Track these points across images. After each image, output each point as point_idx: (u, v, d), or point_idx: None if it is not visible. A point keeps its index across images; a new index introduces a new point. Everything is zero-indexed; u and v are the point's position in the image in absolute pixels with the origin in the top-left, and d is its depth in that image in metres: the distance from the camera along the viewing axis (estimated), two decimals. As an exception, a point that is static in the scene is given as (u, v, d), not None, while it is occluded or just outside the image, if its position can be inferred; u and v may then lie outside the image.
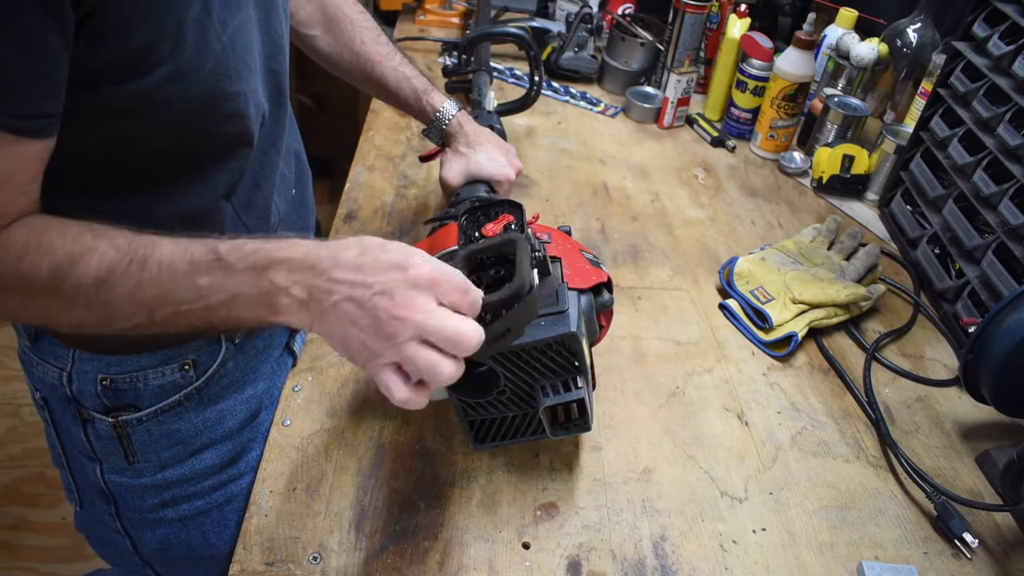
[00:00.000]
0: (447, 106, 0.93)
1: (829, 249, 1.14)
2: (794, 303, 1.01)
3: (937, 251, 1.13)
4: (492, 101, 1.22)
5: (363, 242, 0.55)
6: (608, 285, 0.76)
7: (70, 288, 0.54)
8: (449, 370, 0.53)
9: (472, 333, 0.53)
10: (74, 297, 0.54)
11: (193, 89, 0.58)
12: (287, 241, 0.56)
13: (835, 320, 1.02)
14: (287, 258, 0.54)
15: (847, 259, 1.12)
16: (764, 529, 0.77)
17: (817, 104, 1.40)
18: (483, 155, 0.92)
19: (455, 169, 0.92)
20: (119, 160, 0.62)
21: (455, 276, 0.55)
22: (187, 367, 0.75)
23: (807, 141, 1.42)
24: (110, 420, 0.74)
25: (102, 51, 0.52)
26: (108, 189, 0.63)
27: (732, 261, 1.07)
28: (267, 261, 0.54)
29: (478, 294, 0.56)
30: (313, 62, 0.96)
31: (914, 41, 1.38)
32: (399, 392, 0.54)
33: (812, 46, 1.32)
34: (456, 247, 0.72)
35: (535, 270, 0.65)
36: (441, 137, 0.96)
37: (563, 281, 0.71)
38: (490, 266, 0.65)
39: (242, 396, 0.81)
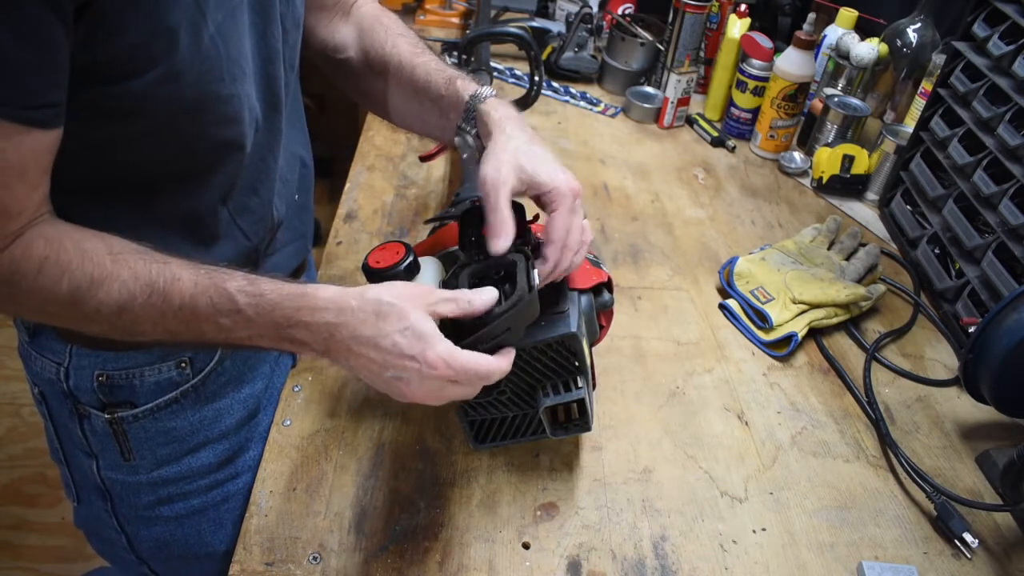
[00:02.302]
0: (483, 89, 0.76)
1: (829, 249, 1.14)
2: (794, 303, 1.01)
3: (937, 251, 1.13)
4: (492, 101, 1.22)
5: (381, 319, 0.57)
6: (608, 285, 0.76)
7: (91, 308, 0.56)
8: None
9: (479, 389, 0.61)
10: (95, 316, 0.57)
11: (185, 91, 0.58)
12: (305, 299, 0.58)
13: (835, 320, 1.02)
14: (306, 322, 0.58)
15: (847, 259, 1.12)
16: (764, 529, 0.77)
17: (817, 104, 1.40)
18: (538, 151, 0.69)
19: (503, 162, 0.66)
20: (111, 161, 0.62)
21: (470, 365, 0.58)
22: (183, 365, 0.75)
23: (807, 141, 1.42)
24: (106, 416, 0.74)
25: (96, 48, 0.52)
26: (101, 190, 0.63)
27: (732, 261, 1.07)
28: (286, 320, 0.58)
29: (499, 370, 0.60)
30: (313, 63, 0.94)
31: (914, 41, 1.38)
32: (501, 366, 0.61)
33: (812, 46, 1.32)
34: (456, 247, 0.73)
35: (535, 271, 0.65)
36: (473, 121, 0.75)
37: (563, 281, 0.71)
38: (492, 271, 0.65)
39: (240, 395, 0.81)
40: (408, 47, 0.80)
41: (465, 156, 0.76)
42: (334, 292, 0.59)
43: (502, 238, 0.64)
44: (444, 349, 0.57)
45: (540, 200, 0.68)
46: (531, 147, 0.68)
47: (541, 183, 0.66)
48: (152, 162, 0.63)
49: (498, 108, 0.72)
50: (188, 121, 0.61)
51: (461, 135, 0.75)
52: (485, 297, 0.60)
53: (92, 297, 0.56)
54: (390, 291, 0.59)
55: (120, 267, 0.56)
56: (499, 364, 0.60)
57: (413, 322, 0.57)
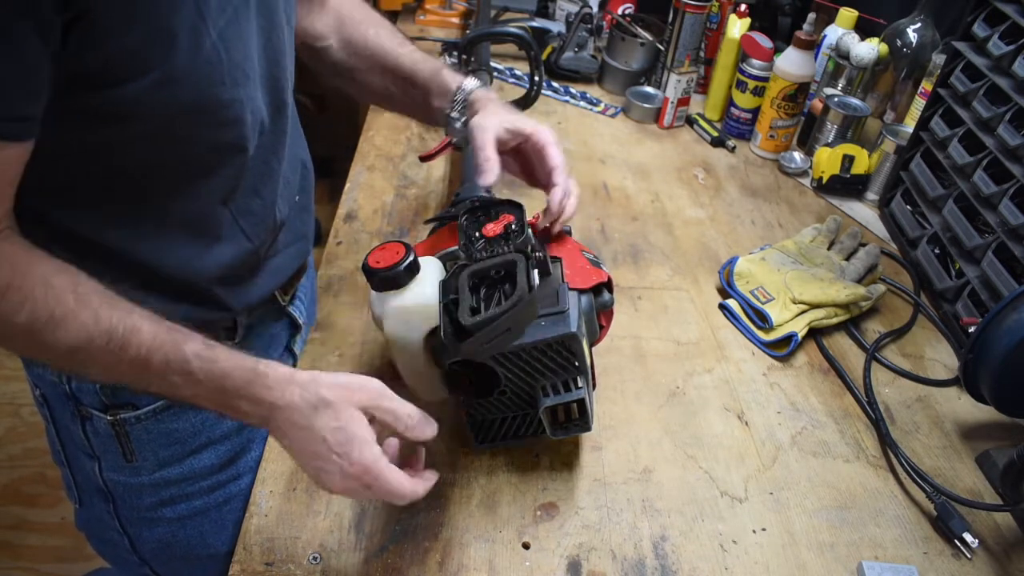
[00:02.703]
0: (469, 81, 0.85)
1: (829, 249, 1.14)
2: (794, 303, 1.01)
3: (937, 251, 1.13)
4: (492, 101, 1.22)
5: (317, 414, 0.59)
6: (608, 285, 0.76)
7: (47, 343, 0.56)
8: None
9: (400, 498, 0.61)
10: (50, 350, 0.57)
11: (184, 95, 0.58)
12: (256, 375, 0.60)
13: (835, 320, 1.02)
14: (253, 396, 0.60)
15: (847, 259, 1.12)
16: (764, 529, 0.77)
17: (817, 104, 1.40)
18: (517, 113, 0.82)
19: (494, 115, 0.79)
20: (110, 164, 0.62)
21: (386, 482, 0.59)
22: None
23: (807, 141, 1.42)
24: (108, 418, 0.74)
25: (92, 54, 0.52)
26: (100, 192, 0.63)
27: (732, 261, 1.07)
28: (235, 391, 0.60)
29: (411, 495, 0.61)
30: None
31: (914, 41, 1.38)
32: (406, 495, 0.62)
33: (812, 46, 1.32)
34: (456, 247, 0.73)
35: (535, 270, 0.65)
36: (464, 110, 0.84)
37: (563, 281, 0.71)
38: (492, 270, 0.65)
39: None
40: (389, 37, 0.87)
41: (456, 140, 0.85)
42: (283, 375, 0.60)
43: (488, 173, 0.71)
44: (370, 456, 0.59)
45: (526, 146, 0.77)
46: (515, 112, 0.80)
47: (523, 129, 0.76)
48: (151, 165, 0.63)
49: (486, 96, 0.82)
50: (187, 125, 0.61)
51: (452, 122, 0.83)
52: (426, 429, 0.63)
53: (50, 333, 0.55)
54: (335, 386, 0.60)
55: (82, 308, 0.56)
56: (414, 489, 0.61)
57: (345, 422, 0.59)
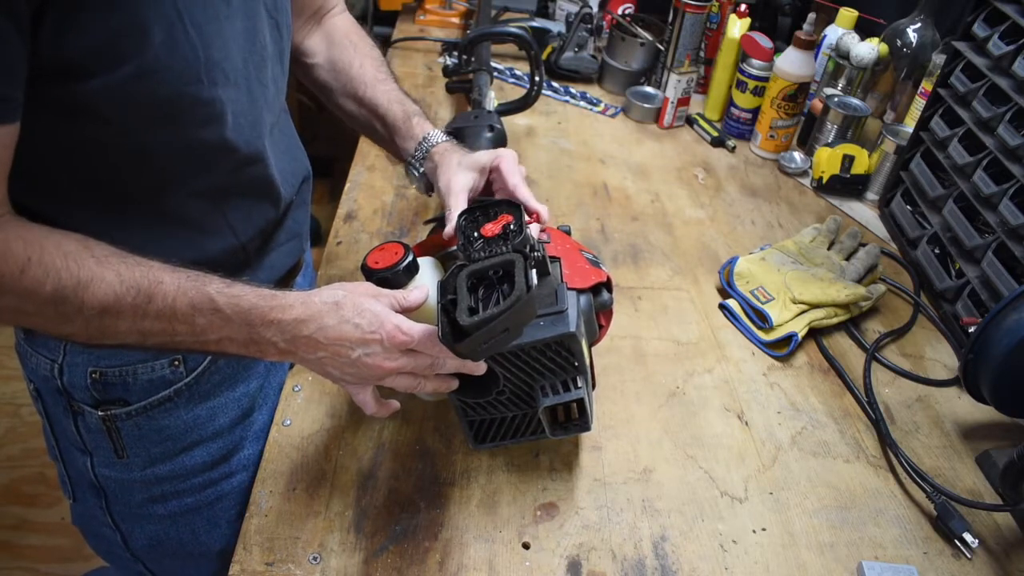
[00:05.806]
0: (435, 134, 0.85)
1: (829, 249, 1.14)
2: (794, 303, 1.01)
3: (937, 251, 1.13)
4: (492, 101, 1.22)
5: (340, 309, 0.64)
6: (608, 285, 0.76)
7: (72, 309, 0.57)
8: (431, 386, 0.68)
9: (448, 363, 0.66)
10: (74, 316, 0.57)
11: (160, 90, 0.58)
12: (277, 301, 0.63)
13: (835, 320, 1.02)
14: (278, 320, 0.63)
15: (847, 259, 1.12)
16: (764, 529, 0.77)
17: (817, 104, 1.40)
18: (473, 150, 0.83)
19: (451, 167, 0.79)
20: (95, 163, 0.62)
21: (421, 332, 0.64)
22: (177, 363, 0.75)
23: (807, 141, 1.42)
24: (99, 413, 0.74)
25: (66, 42, 0.52)
26: (87, 190, 0.64)
27: (732, 261, 1.07)
28: (261, 320, 0.62)
29: (448, 362, 0.66)
30: None
31: (914, 41, 1.38)
32: (371, 409, 0.69)
33: (812, 46, 1.32)
34: (455, 248, 0.73)
35: (534, 271, 0.65)
36: (423, 161, 0.84)
37: (562, 281, 0.71)
38: (490, 271, 0.65)
39: (234, 394, 0.81)
40: (373, 70, 0.88)
41: (416, 186, 0.86)
42: (298, 295, 0.65)
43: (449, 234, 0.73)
44: (397, 319, 0.64)
45: (492, 176, 0.78)
46: (469, 151, 0.81)
47: (485, 161, 0.78)
48: (134, 162, 0.63)
49: (448, 148, 0.83)
50: (167, 122, 0.61)
51: (412, 169, 0.85)
52: (416, 293, 0.69)
53: (76, 297, 0.56)
54: (340, 286, 0.67)
55: (105, 269, 0.57)
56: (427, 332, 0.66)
57: (367, 306, 0.64)
